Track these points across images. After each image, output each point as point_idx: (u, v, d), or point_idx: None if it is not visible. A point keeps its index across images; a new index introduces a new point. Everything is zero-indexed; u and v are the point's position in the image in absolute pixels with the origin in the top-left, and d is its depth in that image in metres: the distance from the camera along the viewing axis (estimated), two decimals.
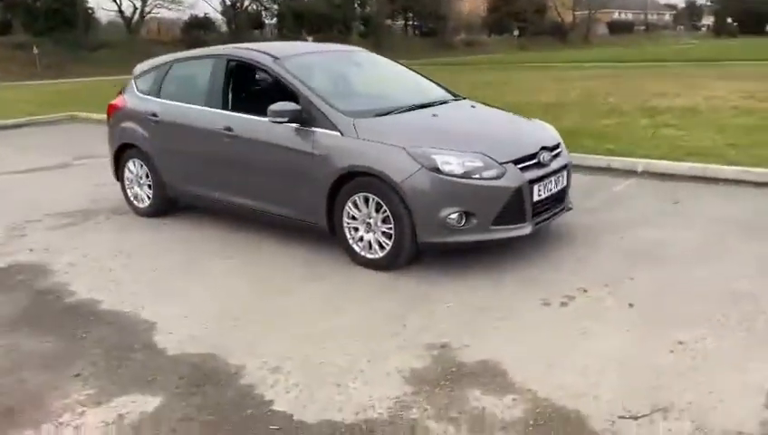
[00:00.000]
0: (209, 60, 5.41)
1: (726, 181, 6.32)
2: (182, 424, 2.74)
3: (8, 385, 3.10)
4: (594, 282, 4.02)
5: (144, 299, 4.04)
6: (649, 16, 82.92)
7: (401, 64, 5.97)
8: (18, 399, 2.98)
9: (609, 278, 4.07)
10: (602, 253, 4.55)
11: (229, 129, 4.93)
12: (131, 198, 5.91)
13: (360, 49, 6.29)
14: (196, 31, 42.41)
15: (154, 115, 5.53)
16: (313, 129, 4.49)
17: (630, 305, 3.69)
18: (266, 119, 4.56)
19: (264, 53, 5.08)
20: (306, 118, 4.51)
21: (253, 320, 3.71)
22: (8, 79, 27.29)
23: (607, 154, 7.33)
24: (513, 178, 4.16)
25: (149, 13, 42.76)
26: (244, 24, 44.48)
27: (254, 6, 47.38)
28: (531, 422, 2.66)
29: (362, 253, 4.39)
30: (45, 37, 33.56)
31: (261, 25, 48.03)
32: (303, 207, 4.64)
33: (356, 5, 49.06)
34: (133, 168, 5.81)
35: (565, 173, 4.64)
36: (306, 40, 31.57)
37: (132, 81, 6.02)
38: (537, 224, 4.34)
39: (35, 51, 31.49)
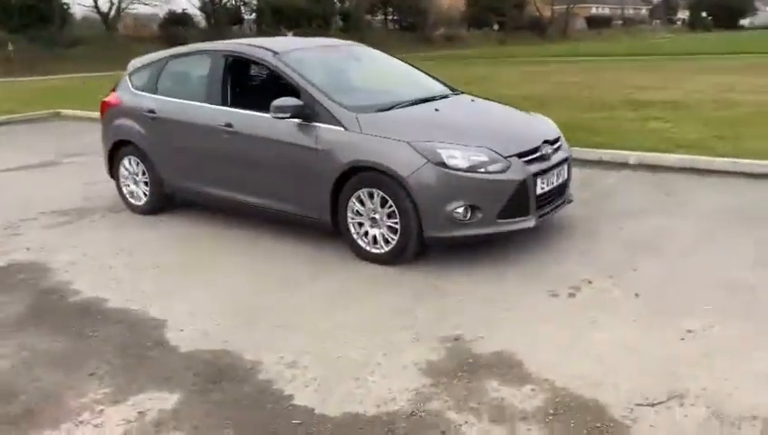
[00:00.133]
0: (207, 55, 5.35)
1: (717, 172, 6.44)
2: (204, 421, 2.74)
3: (23, 385, 3.06)
4: (598, 273, 4.08)
5: (150, 297, 4.01)
6: (626, 11, 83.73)
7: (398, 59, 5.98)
8: (35, 398, 2.95)
9: (613, 269, 4.14)
10: (603, 244, 4.62)
11: (229, 125, 4.90)
12: (127, 196, 5.85)
13: (358, 44, 6.28)
14: (174, 27, 41.76)
15: (151, 112, 5.47)
16: (316, 124, 4.49)
17: (636, 295, 3.75)
18: (268, 114, 4.55)
19: (264, 48, 5.05)
20: (309, 113, 4.50)
21: (262, 316, 3.71)
22: None
23: (597, 147, 7.42)
24: (518, 171, 4.20)
25: (126, 8, 42.12)
26: (223, 20, 44.02)
27: (233, 2, 46.92)
28: (551, 411, 2.70)
29: (367, 248, 4.40)
30: (20, 34, 32.92)
31: (240, 21, 47.57)
32: (306, 202, 4.63)
33: (335, 0, 48.81)
34: (129, 165, 5.75)
35: (566, 166, 4.70)
36: (286, 35, 31.30)
37: (126, 77, 5.93)
38: (540, 217, 4.39)
39: (10, 48, 30.88)
